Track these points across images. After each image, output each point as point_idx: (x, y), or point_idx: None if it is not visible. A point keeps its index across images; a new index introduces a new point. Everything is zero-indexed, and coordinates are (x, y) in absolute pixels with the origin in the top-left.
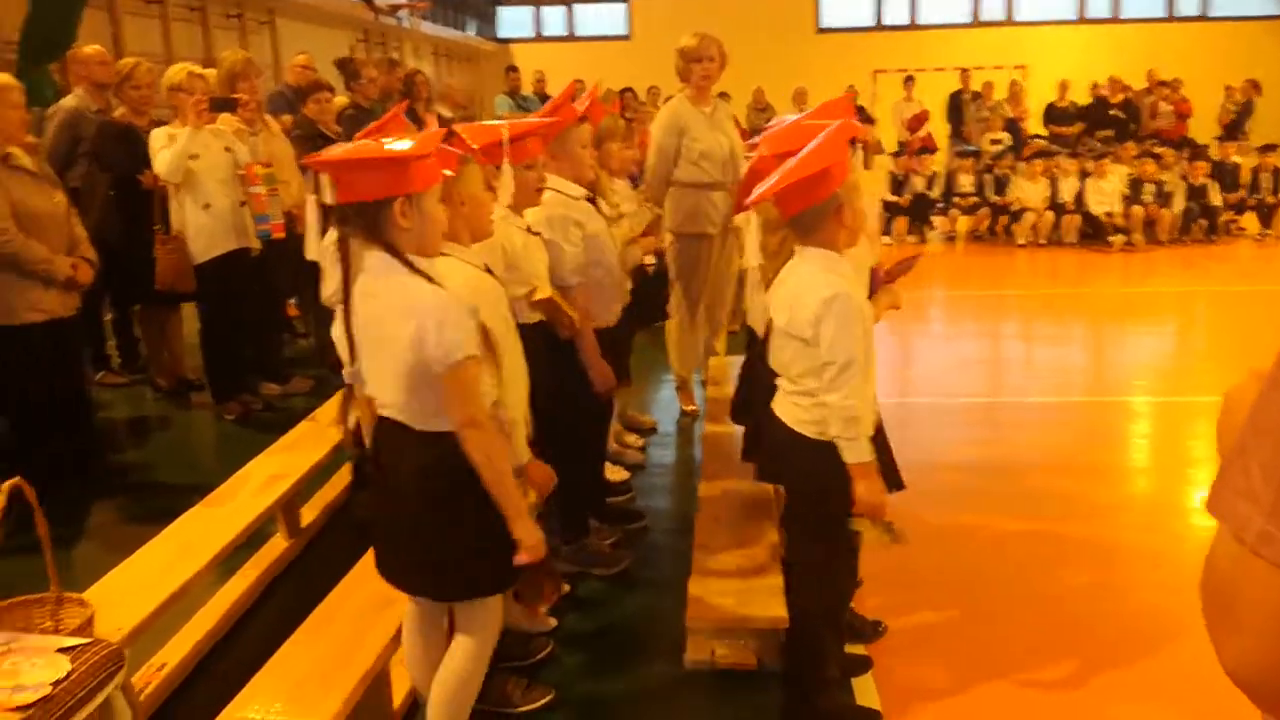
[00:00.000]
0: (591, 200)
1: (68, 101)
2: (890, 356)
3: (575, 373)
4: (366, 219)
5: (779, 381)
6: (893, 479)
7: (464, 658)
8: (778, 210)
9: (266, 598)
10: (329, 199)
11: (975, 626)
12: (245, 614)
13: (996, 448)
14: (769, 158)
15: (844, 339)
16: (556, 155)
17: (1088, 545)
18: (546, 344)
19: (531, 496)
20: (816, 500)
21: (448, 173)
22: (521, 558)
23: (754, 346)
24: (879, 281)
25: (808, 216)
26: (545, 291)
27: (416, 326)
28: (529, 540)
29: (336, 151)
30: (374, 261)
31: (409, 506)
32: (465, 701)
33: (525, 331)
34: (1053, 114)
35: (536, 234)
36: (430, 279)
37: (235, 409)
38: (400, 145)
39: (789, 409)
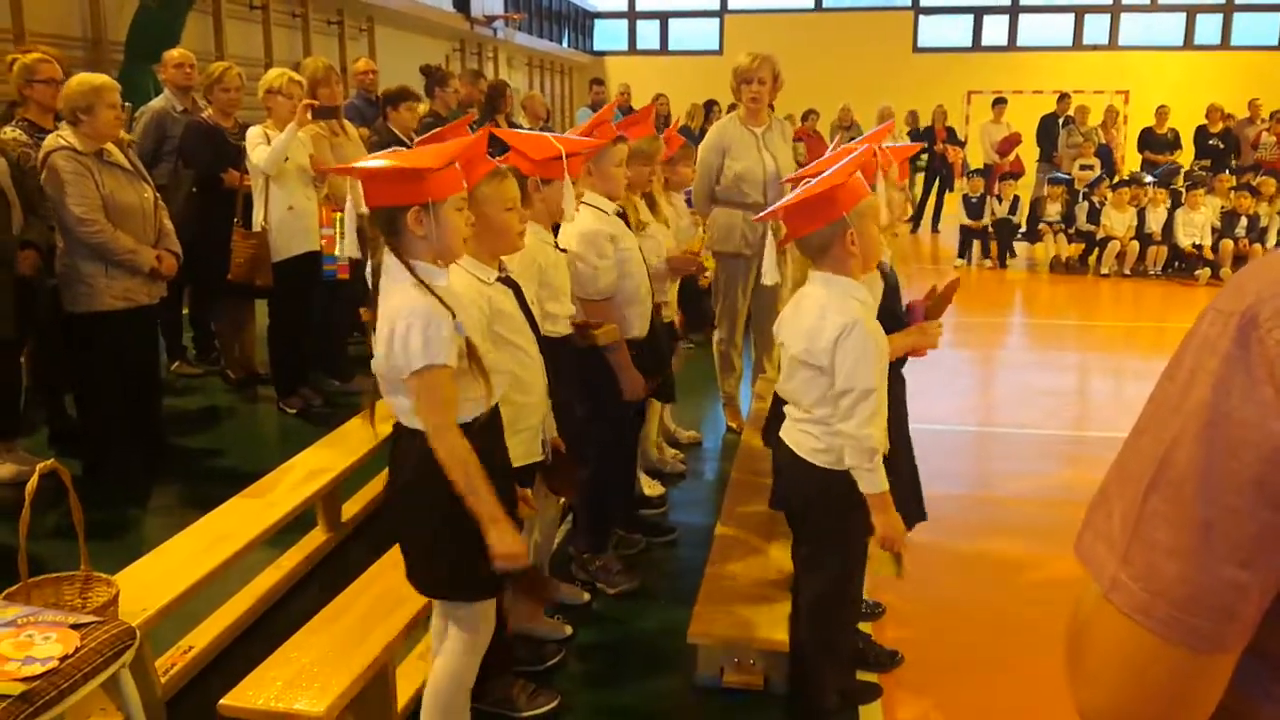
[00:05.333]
0: (622, 215)
1: (155, 103)
2: (965, 385)
3: (600, 386)
4: (384, 223)
5: (787, 409)
6: (916, 511)
7: (449, 657)
8: (787, 230)
9: (301, 588)
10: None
11: (995, 668)
12: (278, 602)
13: (1060, 482)
14: (794, 180)
15: (863, 367)
16: (593, 172)
17: None
18: (574, 358)
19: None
20: (820, 530)
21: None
22: (497, 565)
23: None
24: (917, 316)
25: (815, 239)
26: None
27: (392, 330)
28: (500, 548)
29: (358, 163)
30: (389, 262)
31: (402, 501)
32: (456, 701)
33: (550, 344)
34: (1148, 141)
35: (563, 250)
36: (427, 286)
37: (296, 403)
38: (424, 152)
39: (798, 437)
